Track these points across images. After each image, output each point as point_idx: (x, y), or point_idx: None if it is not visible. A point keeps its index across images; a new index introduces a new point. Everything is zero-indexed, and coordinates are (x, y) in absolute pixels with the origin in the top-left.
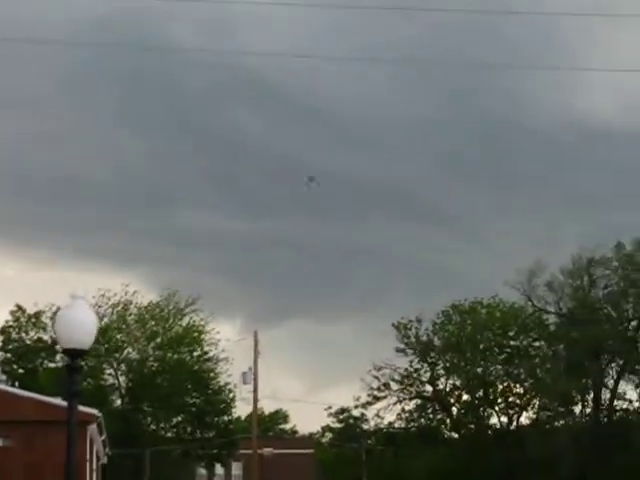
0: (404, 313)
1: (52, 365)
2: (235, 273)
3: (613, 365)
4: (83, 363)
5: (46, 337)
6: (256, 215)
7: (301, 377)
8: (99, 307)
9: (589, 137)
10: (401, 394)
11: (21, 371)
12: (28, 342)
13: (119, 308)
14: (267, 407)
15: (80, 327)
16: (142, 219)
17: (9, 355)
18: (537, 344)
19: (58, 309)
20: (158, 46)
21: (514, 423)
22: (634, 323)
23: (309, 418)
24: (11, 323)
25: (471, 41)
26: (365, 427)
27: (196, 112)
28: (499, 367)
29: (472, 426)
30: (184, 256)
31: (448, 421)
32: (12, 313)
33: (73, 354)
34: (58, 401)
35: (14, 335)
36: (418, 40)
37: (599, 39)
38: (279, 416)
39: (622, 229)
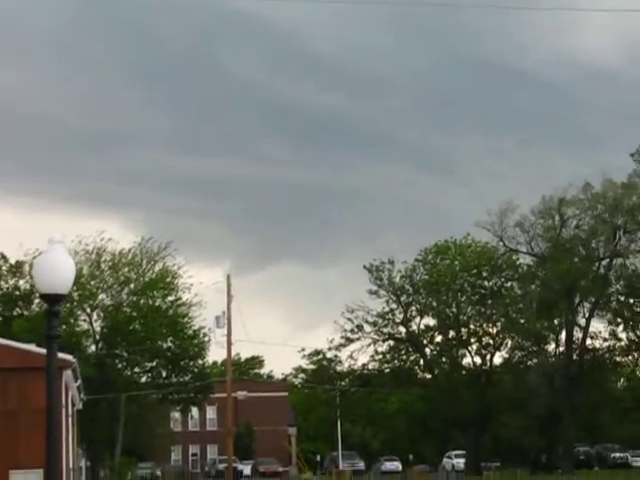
0: (388, 255)
1: (27, 313)
2: (223, 217)
3: (585, 304)
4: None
5: (25, 285)
6: (243, 157)
7: (284, 321)
8: (76, 253)
9: (583, 78)
10: (374, 336)
11: None
12: (5, 290)
13: (92, 255)
14: (245, 352)
15: (58, 272)
16: (124, 163)
17: None
18: (509, 284)
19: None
20: None
21: (487, 363)
22: (605, 262)
23: (286, 362)
24: None
25: None
26: (339, 369)
27: (179, 53)
28: (472, 308)
29: (446, 367)
30: (169, 200)
31: (422, 362)
32: None
33: (51, 299)
34: (32, 348)
35: None
36: None
37: None
38: (255, 361)
39: (612, 169)
